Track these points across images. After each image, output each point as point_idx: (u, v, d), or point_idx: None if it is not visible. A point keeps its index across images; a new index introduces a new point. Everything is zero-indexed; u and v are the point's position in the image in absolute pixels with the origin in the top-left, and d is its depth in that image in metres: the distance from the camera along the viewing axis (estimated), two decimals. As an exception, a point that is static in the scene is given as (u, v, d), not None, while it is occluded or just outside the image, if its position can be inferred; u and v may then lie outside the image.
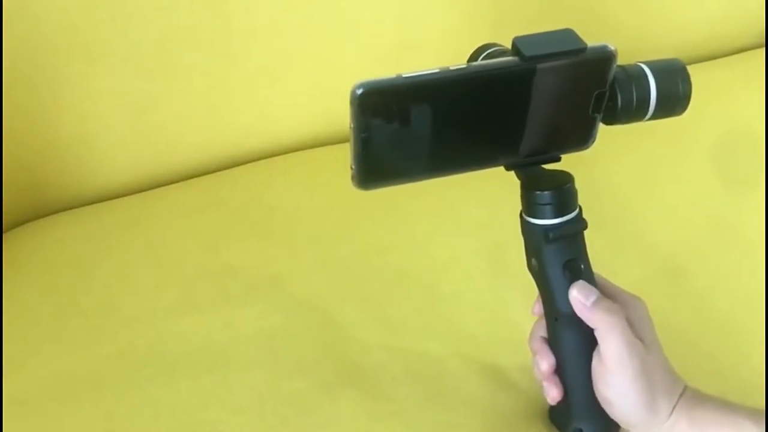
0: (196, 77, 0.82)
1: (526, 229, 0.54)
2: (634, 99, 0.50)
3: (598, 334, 0.52)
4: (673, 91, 0.51)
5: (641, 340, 0.52)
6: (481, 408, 0.61)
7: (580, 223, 0.53)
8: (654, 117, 0.52)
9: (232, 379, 0.62)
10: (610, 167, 0.82)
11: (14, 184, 0.79)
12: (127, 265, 0.74)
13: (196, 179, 0.86)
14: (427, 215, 0.78)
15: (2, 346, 0.65)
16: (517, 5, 0.91)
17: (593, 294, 0.52)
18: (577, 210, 0.53)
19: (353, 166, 0.48)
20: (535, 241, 0.53)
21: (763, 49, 1.04)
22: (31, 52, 0.75)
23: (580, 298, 0.52)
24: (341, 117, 0.90)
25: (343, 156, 0.86)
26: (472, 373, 0.64)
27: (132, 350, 0.65)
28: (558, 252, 0.53)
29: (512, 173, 0.54)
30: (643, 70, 0.51)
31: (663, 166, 0.85)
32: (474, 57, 0.56)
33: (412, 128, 0.47)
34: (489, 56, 0.54)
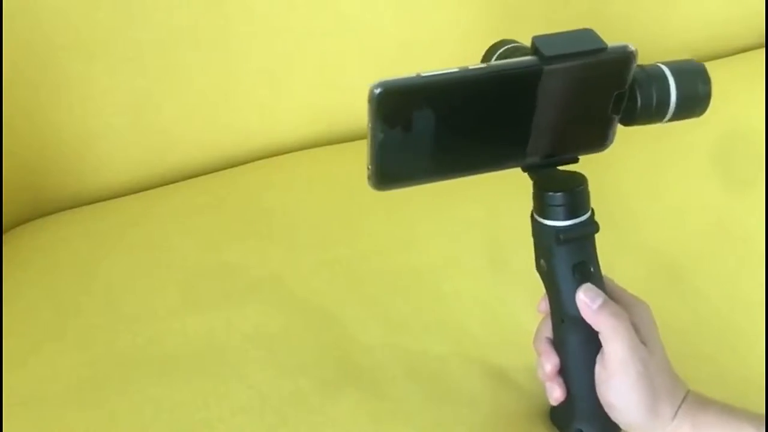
0: (196, 77, 0.83)
1: (537, 229, 0.53)
2: (654, 100, 0.50)
3: (603, 337, 0.52)
4: (693, 92, 0.51)
5: (645, 344, 0.52)
6: (481, 407, 0.61)
7: (591, 226, 0.52)
8: (673, 118, 0.51)
9: (233, 378, 0.62)
10: (610, 167, 0.82)
11: (15, 183, 0.79)
12: (127, 265, 0.74)
13: (196, 179, 0.86)
14: (428, 215, 0.78)
15: (2, 345, 0.65)
16: (523, 5, 0.90)
17: (600, 297, 0.52)
18: (589, 212, 0.52)
19: (370, 167, 0.47)
20: (545, 242, 0.53)
21: (763, 50, 1.04)
22: (33, 51, 0.75)
23: (586, 300, 0.52)
24: (342, 117, 0.91)
25: (344, 156, 0.87)
26: (472, 373, 0.64)
27: (132, 349, 0.65)
28: (568, 254, 0.52)
29: (516, 172, 0.53)
30: (662, 70, 0.51)
31: (663, 166, 0.85)
32: (488, 54, 0.55)
33: (432, 128, 0.46)
34: (504, 54, 0.54)
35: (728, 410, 0.52)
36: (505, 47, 0.54)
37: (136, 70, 0.80)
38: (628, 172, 0.84)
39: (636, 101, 0.50)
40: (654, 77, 0.50)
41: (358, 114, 0.88)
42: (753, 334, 0.68)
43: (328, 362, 0.64)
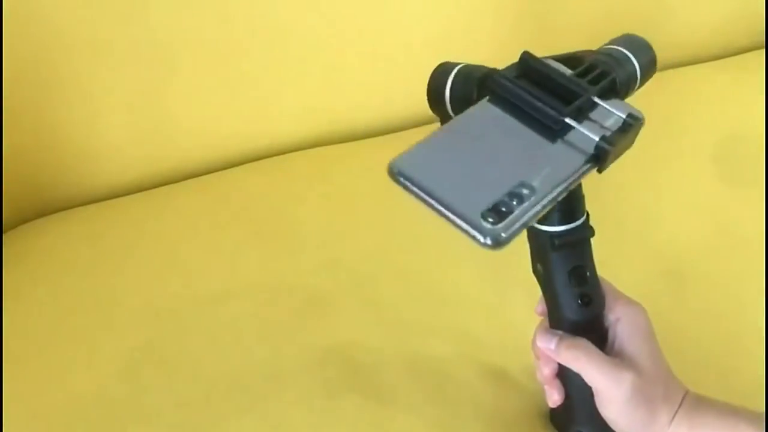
0: (197, 77, 0.83)
1: (532, 234, 0.53)
2: (626, 77, 0.52)
3: (576, 370, 0.52)
4: (648, 58, 0.54)
5: (633, 354, 0.52)
6: (483, 408, 0.61)
7: (586, 230, 0.52)
8: (639, 86, 0.54)
9: (233, 378, 0.62)
10: (610, 169, 0.82)
11: (16, 182, 0.79)
12: (127, 265, 0.74)
13: (197, 179, 0.86)
14: (428, 216, 0.78)
15: (3, 345, 0.65)
16: (520, 4, 0.90)
17: (554, 336, 0.53)
18: (584, 217, 0.52)
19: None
20: (541, 247, 0.53)
21: (764, 50, 1.04)
22: (35, 50, 0.75)
23: (544, 345, 0.53)
24: (342, 117, 0.91)
25: (344, 156, 0.87)
26: (474, 374, 0.64)
27: (132, 349, 0.65)
28: (564, 259, 0.52)
29: None
30: (621, 51, 0.53)
31: (664, 167, 0.85)
32: (438, 78, 0.53)
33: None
34: (460, 73, 0.52)
35: (726, 410, 0.52)
36: (456, 69, 0.52)
37: (138, 70, 0.80)
38: (630, 173, 0.84)
39: (615, 83, 0.51)
40: (618, 59, 0.52)
41: (358, 114, 0.89)
42: (753, 334, 0.68)
43: (330, 363, 0.64)
